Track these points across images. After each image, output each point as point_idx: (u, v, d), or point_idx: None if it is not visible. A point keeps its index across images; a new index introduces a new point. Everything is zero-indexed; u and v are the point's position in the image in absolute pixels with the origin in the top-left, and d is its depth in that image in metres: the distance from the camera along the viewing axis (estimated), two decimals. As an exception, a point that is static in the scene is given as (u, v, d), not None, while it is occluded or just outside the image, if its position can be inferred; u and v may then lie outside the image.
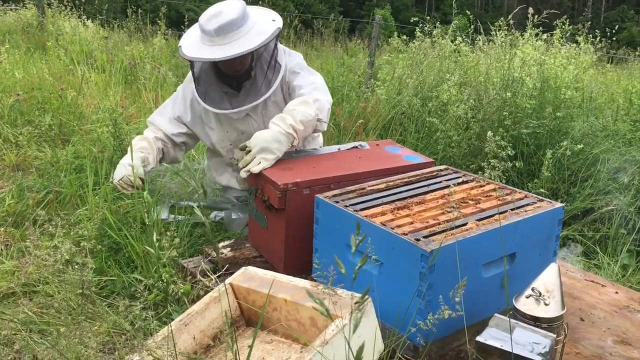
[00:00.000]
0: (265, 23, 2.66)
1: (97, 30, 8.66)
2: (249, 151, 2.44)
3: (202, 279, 2.30)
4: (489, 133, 1.77)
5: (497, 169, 1.69)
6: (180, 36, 7.99)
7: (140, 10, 8.98)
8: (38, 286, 2.34)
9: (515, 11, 4.85)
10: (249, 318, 1.97)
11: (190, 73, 2.78)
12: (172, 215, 2.86)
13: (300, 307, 1.77)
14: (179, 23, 8.43)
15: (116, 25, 9.23)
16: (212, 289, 2.03)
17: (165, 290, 2.23)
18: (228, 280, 1.95)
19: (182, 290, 2.20)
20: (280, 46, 2.76)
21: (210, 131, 2.86)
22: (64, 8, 8.71)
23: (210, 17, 2.58)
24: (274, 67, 2.71)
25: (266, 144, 2.41)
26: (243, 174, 2.44)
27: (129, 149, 2.63)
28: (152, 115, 2.98)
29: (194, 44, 2.63)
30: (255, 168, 2.39)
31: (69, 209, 3.14)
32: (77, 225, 2.86)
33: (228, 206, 2.99)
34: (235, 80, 2.75)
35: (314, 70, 2.85)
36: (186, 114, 2.86)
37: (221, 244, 2.61)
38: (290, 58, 2.78)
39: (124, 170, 2.66)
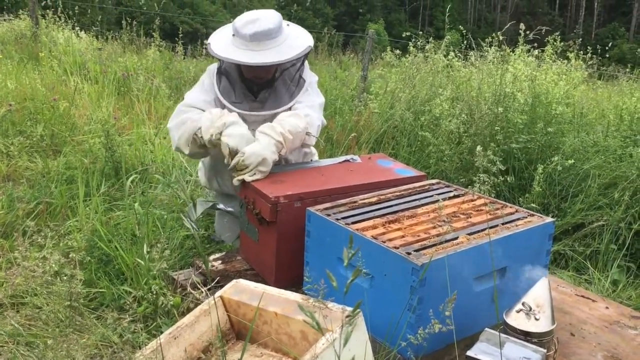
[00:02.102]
0: (298, 38, 2.72)
1: (91, 41, 8.65)
2: (244, 167, 2.43)
3: (193, 291, 2.28)
4: (479, 147, 1.78)
5: (486, 183, 1.70)
6: (174, 48, 8.03)
7: (134, 22, 8.99)
8: (26, 298, 2.32)
9: (506, 27, 4.90)
10: (239, 331, 1.96)
11: (212, 65, 2.82)
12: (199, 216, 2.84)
13: (291, 320, 1.76)
14: (173, 35, 8.44)
15: (110, 36, 9.23)
16: (202, 302, 2.02)
17: (154, 303, 2.22)
18: (218, 293, 1.94)
19: (171, 303, 2.19)
20: (306, 63, 2.82)
21: None
22: (57, 19, 8.71)
23: (247, 22, 2.62)
24: (298, 81, 2.76)
25: (260, 157, 2.41)
26: (235, 182, 2.45)
27: (216, 123, 2.50)
28: (186, 101, 2.75)
29: (226, 44, 2.66)
30: (249, 178, 2.40)
31: (59, 220, 3.12)
32: (67, 236, 2.84)
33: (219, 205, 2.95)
34: (259, 86, 2.78)
35: (320, 93, 2.90)
36: (216, 102, 2.78)
37: (212, 257, 2.60)
38: (308, 76, 2.83)
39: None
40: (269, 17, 2.65)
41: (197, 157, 2.88)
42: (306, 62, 2.81)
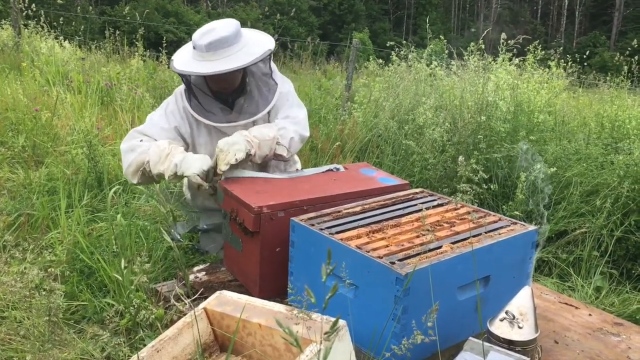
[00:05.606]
0: (256, 45, 2.68)
1: (74, 51, 8.58)
2: (223, 158, 2.48)
3: (176, 303, 2.26)
4: (461, 157, 1.79)
5: (468, 192, 1.70)
6: (158, 57, 7.99)
7: (118, 32, 8.94)
8: (5, 312, 2.28)
9: (484, 34, 4.95)
10: (223, 343, 1.94)
11: (180, 87, 2.78)
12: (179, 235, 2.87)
13: (275, 332, 1.75)
14: (157, 44, 8.42)
15: (94, 46, 9.17)
16: (186, 314, 2.00)
17: (135, 316, 2.19)
18: (202, 305, 1.92)
19: (154, 316, 2.17)
20: (273, 65, 2.80)
21: (199, 147, 2.82)
22: (40, 29, 8.63)
23: (203, 33, 2.61)
24: (269, 85, 2.75)
25: (230, 142, 2.49)
26: (224, 167, 2.48)
27: (165, 156, 2.56)
28: (141, 128, 2.77)
29: (186, 58, 2.65)
30: (232, 160, 2.45)
31: (41, 232, 3.08)
32: (48, 249, 2.80)
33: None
34: (231, 96, 2.76)
35: (302, 103, 2.89)
36: (185, 125, 2.78)
37: (196, 268, 2.58)
38: (282, 81, 2.82)
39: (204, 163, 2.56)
40: (224, 26, 2.62)
41: (147, 183, 2.89)
42: (275, 67, 2.80)
